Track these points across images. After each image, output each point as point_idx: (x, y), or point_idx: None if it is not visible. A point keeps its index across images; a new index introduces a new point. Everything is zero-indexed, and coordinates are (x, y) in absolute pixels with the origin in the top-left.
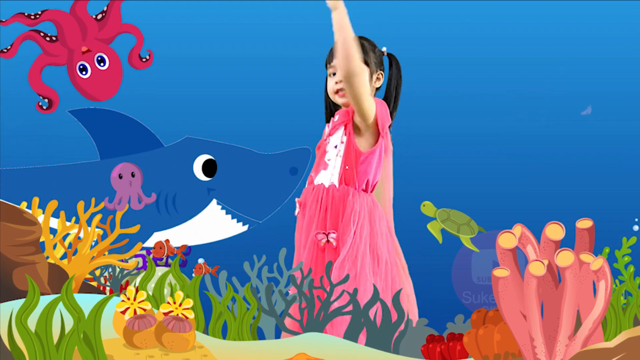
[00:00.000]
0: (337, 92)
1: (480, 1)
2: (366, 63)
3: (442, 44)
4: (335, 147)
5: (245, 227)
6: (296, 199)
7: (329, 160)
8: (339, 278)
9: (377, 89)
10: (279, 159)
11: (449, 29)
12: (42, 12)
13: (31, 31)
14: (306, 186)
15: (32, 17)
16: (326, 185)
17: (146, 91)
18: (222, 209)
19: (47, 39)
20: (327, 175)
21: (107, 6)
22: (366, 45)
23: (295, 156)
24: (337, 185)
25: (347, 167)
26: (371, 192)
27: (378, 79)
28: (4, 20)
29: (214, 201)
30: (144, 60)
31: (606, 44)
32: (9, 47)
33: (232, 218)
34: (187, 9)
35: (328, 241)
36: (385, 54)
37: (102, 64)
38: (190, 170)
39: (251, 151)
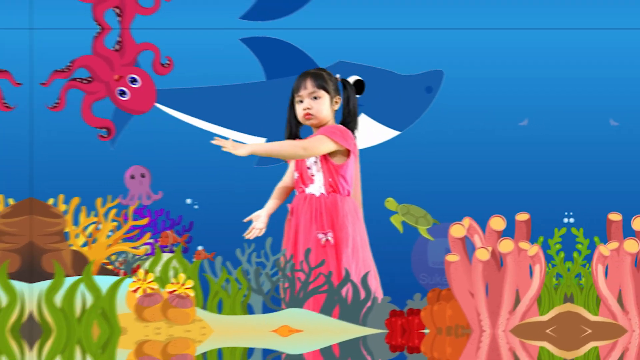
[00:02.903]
0: (305, 116)
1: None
2: (327, 91)
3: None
4: (315, 163)
5: (396, 132)
6: (288, 205)
7: (312, 175)
8: (349, 266)
9: (335, 110)
10: (416, 79)
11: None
12: (72, 62)
13: (70, 81)
14: (296, 194)
15: (66, 69)
16: (317, 195)
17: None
18: (372, 119)
19: (85, 82)
20: (316, 187)
21: (120, 36)
22: (325, 75)
23: (430, 77)
24: (326, 194)
25: (330, 180)
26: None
27: (336, 102)
28: (44, 82)
29: (363, 114)
30: (165, 65)
31: (551, 66)
32: (57, 102)
33: (384, 125)
34: None
35: (327, 240)
36: (340, 80)
37: (135, 83)
38: None
39: (394, 73)
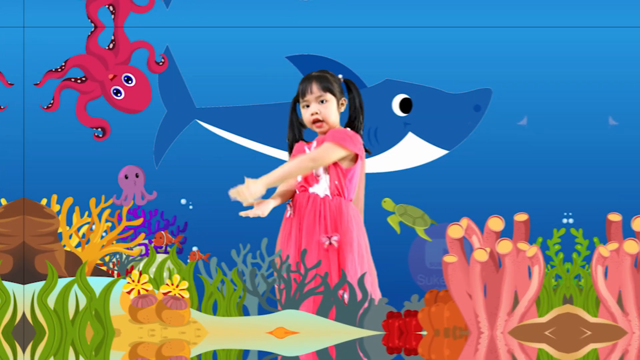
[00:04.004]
0: (314, 122)
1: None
2: (333, 93)
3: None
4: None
5: (444, 152)
6: (287, 203)
7: (318, 176)
8: (355, 272)
9: (341, 112)
10: (464, 98)
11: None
12: (65, 62)
13: (63, 81)
14: (298, 192)
15: (60, 69)
16: (321, 196)
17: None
18: (420, 138)
19: (79, 81)
20: (321, 188)
21: (114, 34)
22: (329, 77)
23: (479, 95)
24: (330, 197)
25: (336, 182)
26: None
27: (342, 104)
28: (38, 82)
29: (410, 133)
30: (160, 64)
31: (550, 64)
32: (51, 102)
33: (431, 144)
34: None
35: (330, 243)
36: (343, 80)
37: (130, 82)
38: (389, 108)
39: (442, 91)
